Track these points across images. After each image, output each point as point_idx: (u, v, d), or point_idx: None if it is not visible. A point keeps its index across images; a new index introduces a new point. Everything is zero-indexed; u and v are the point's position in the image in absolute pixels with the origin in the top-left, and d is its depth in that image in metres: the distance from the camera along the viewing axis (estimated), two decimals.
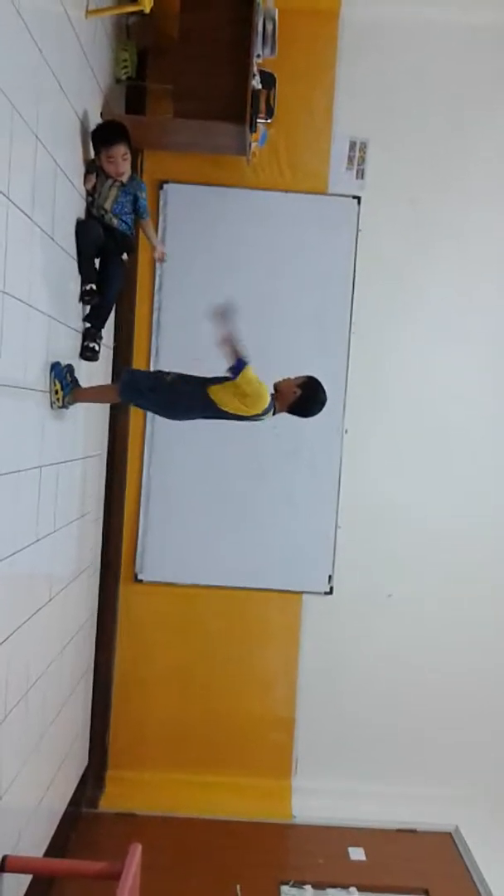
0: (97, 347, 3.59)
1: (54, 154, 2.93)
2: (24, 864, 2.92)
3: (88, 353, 3.55)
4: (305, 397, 3.22)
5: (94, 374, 3.88)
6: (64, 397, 3.13)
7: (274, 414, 3.23)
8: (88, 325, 3.58)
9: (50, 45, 2.76)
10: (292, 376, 3.26)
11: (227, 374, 3.09)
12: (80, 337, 3.54)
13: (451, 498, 4.57)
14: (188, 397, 3.17)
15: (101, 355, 3.69)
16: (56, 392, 3.09)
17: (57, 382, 3.09)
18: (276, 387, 3.23)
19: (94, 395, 3.50)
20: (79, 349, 3.53)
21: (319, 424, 4.41)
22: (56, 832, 3.62)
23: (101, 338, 3.64)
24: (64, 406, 3.17)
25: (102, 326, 3.64)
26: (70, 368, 3.23)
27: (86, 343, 3.55)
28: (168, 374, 3.23)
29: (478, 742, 4.58)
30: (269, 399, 3.15)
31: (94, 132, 3.45)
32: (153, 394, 3.18)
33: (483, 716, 4.59)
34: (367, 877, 3.94)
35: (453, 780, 4.52)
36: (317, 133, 4.45)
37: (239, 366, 3.07)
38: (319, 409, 3.29)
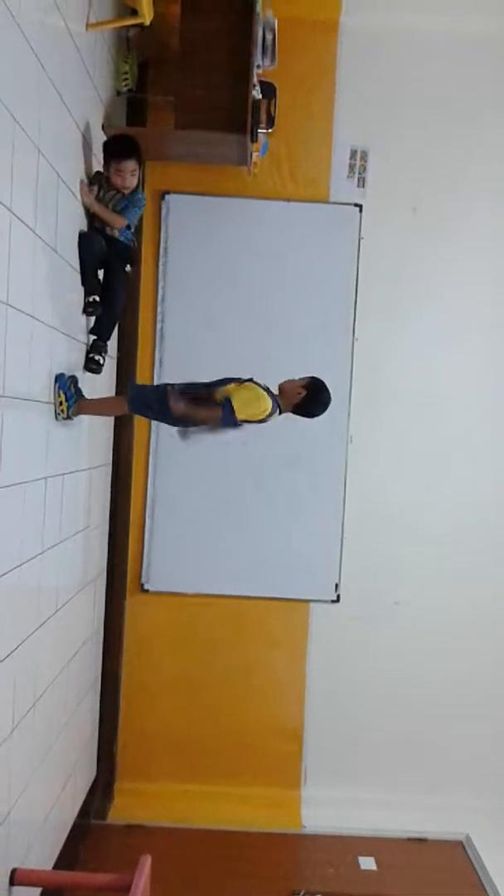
0: (101, 360, 3.60)
1: (56, 167, 2.94)
2: (33, 877, 2.91)
3: (93, 366, 3.56)
4: (310, 397, 3.24)
5: (99, 385, 3.89)
6: (68, 409, 3.14)
7: (280, 413, 3.23)
8: (95, 337, 3.59)
9: (51, 59, 2.78)
10: (296, 377, 3.27)
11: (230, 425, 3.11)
12: (83, 349, 3.55)
13: (457, 505, 4.56)
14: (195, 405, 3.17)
15: (104, 367, 3.70)
16: (60, 404, 3.10)
17: (61, 394, 3.10)
18: (280, 388, 3.24)
19: (98, 408, 3.51)
20: (83, 361, 3.53)
21: (324, 432, 4.45)
22: (65, 844, 3.61)
23: (106, 350, 3.65)
24: (68, 418, 3.17)
25: (108, 338, 3.65)
26: (74, 380, 3.24)
27: (91, 355, 3.57)
28: (174, 385, 3.24)
29: (488, 749, 4.56)
30: (269, 401, 3.15)
31: (107, 143, 3.49)
32: (159, 403, 3.18)
33: (493, 723, 4.57)
34: (378, 886, 3.92)
35: (464, 789, 4.49)
36: (317, 142, 4.47)
37: (226, 411, 3.07)
38: (323, 410, 3.30)
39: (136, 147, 3.47)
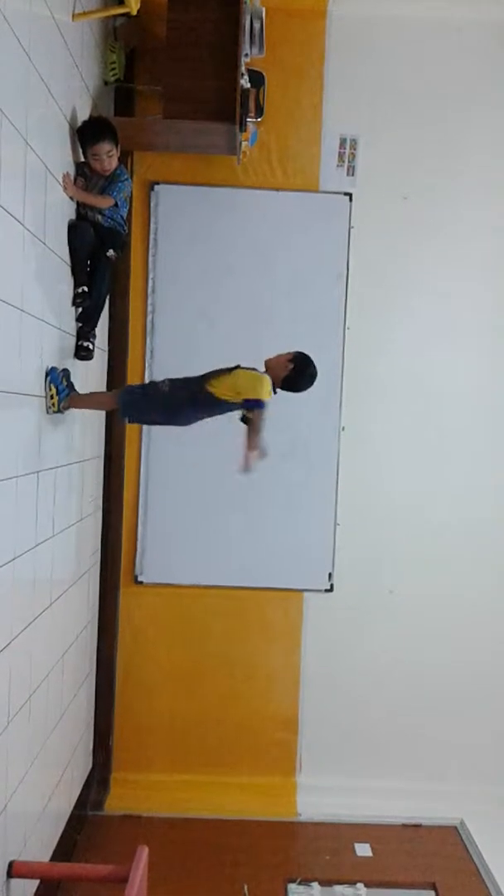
0: (91, 346, 3.58)
1: (44, 158, 2.93)
2: (31, 868, 2.92)
3: (83, 353, 3.54)
4: (298, 371, 3.25)
5: (90, 378, 3.88)
6: (59, 402, 3.13)
7: (275, 392, 3.24)
8: (80, 324, 3.58)
9: (37, 49, 2.76)
10: (282, 352, 3.29)
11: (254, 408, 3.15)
12: (74, 339, 3.54)
13: (449, 492, 4.57)
14: (189, 400, 3.19)
15: (96, 357, 3.68)
16: (52, 397, 3.09)
17: (52, 387, 3.09)
18: (266, 364, 3.25)
19: (89, 402, 3.52)
20: (73, 350, 3.52)
21: (317, 422, 4.47)
22: (62, 836, 3.62)
23: (94, 336, 3.62)
24: (59, 411, 3.17)
25: (95, 325, 3.62)
26: (66, 373, 3.23)
27: (80, 342, 3.55)
28: (162, 382, 3.24)
29: (482, 735, 4.59)
30: (266, 378, 3.18)
31: (79, 129, 3.44)
32: (151, 404, 3.21)
33: (487, 709, 4.60)
34: (374, 872, 3.94)
35: (458, 774, 4.53)
36: (307, 131, 4.46)
37: (253, 403, 3.13)
38: (310, 384, 3.31)
39: (109, 128, 3.43)
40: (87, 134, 3.41)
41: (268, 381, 3.18)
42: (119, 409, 3.31)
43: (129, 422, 3.43)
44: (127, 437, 4.48)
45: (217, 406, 3.21)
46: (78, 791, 4.05)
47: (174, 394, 3.20)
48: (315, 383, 3.32)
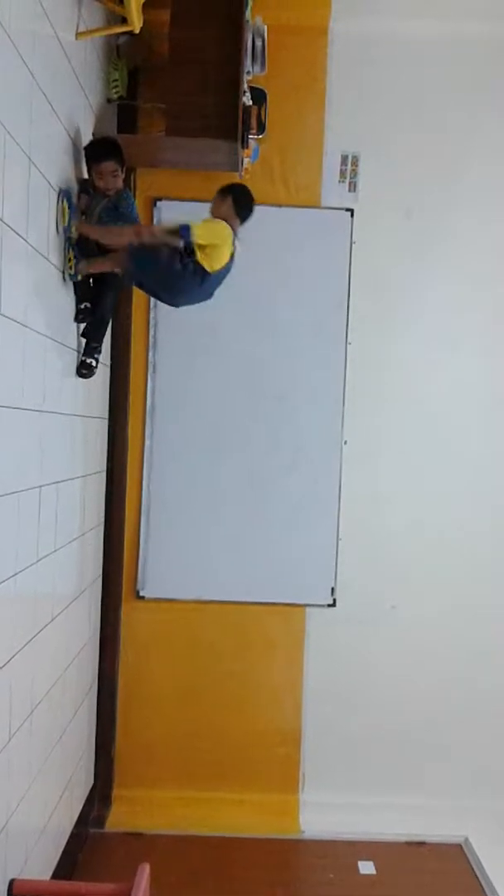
0: (94, 364, 3.58)
1: (47, 175, 2.95)
2: (31, 887, 2.90)
3: (84, 370, 3.55)
4: (236, 199, 3.33)
5: (92, 391, 3.90)
6: (76, 265, 3.17)
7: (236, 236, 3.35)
8: (85, 340, 3.58)
9: (41, 67, 2.78)
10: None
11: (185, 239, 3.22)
12: (76, 354, 3.54)
13: (452, 507, 4.56)
14: (181, 263, 3.24)
15: (98, 372, 3.68)
16: (69, 260, 3.12)
17: (71, 251, 3.15)
18: (213, 214, 3.33)
19: (103, 264, 3.44)
20: (75, 367, 3.53)
21: (319, 436, 4.47)
22: (63, 853, 3.59)
23: (99, 352, 3.63)
24: (74, 276, 3.17)
25: (99, 341, 3.63)
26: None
27: (83, 359, 3.55)
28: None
29: (486, 752, 4.56)
30: (226, 224, 3.27)
31: (86, 147, 3.48)
32: (155, 262, 3.24)
33: (490, 726, 4.57)
34: (378, 890, 3.91)
35: (462, 791, 4.50)
36: (308, 147, 4.48)
37: (185, 232, 3.19)
38: (251, 199, 3.39)
39: (115, 147, 3.45)
40: (93, 152, 3.44)
41: (227, 229, 3.27)
42: (128, 257, 3.28)
43: (134, 271, 3.36)
44: (129, 451, 4.49)
45: (200, 269, 3.25)
46: (79, 808, 4.02)
47: (171, 263, 3.23)
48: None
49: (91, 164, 3.44)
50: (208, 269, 3.26)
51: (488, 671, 4.58)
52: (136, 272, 3.37)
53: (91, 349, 3.58)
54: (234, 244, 3.33)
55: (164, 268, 3.26)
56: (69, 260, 3.24)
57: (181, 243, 3.22)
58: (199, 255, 3.24)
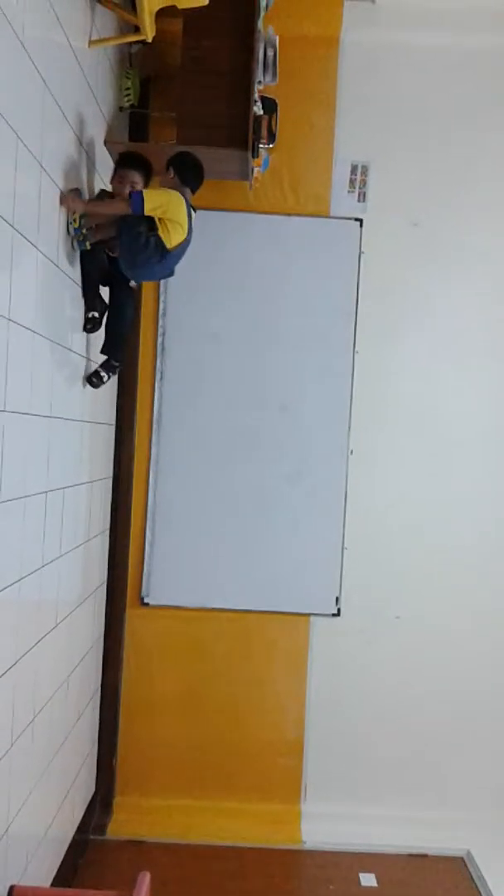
0: (106, 378, 3.59)
1: (58, 182, 2.96)
2: (31, 893, 2.89)
3: (94, 379, 3.56)
4: (177, 167, 3.35)
5: (99, 399, 3.90)
6: (80, 218, 3.15)
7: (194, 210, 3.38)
8: (106, 356, 3.59)
9: (53, 75, 2.80)
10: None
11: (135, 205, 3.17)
12: (84, 362, 3.55)
13: (457, 517, 4.56)
14: (145, 238, 3.23)
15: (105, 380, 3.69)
16: (72, 213, 3.11)
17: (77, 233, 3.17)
18: (163, 187, 3.33)
19: (103, 212, 3.39)
20: (83, 372, 3.54)
21: (325, 446, 4.47)
22: (63, 860, 3.58)
23: (115, 371, 3.63)
24: (79, 228, 3.15)
25: (118, 356, 3.63)
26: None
27: (98, 370, 3.56)
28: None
29: (489, 764, 4.54)
30: (179, 194, 3.26)
31: (121, 154, 3.55)
32: (128, 233, 3.24)
33: (494, 738, 4.56)
34: None
35: (465, 804, 4.47)
36: (318, 157, 4.50)
37: (136, 200, 3.16)
38: (194, 162, 3.40)
39: (145, 163, 3.49)
40: (126, 159, 3.50)
41: (176, 198, 3.24)
42: (131, 205, 3.23)
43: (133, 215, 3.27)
44: (136, 458, 4.49)
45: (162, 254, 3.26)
46: (80, 815, 4.01)
47: (137, 237, 3.23)
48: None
49: (118, 169, 3.48)
50: (167, 244, 3.26)
51: (492, 682, 4.56)
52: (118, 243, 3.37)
53: (111, 366, 3.59)
54: (189, 213, 3.31)
55: (132, 240, 3.25)
56: (79, 235, 3.20)
57: (130, 209, 3.19)
58: (160, 230, 3.24)
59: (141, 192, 3.22)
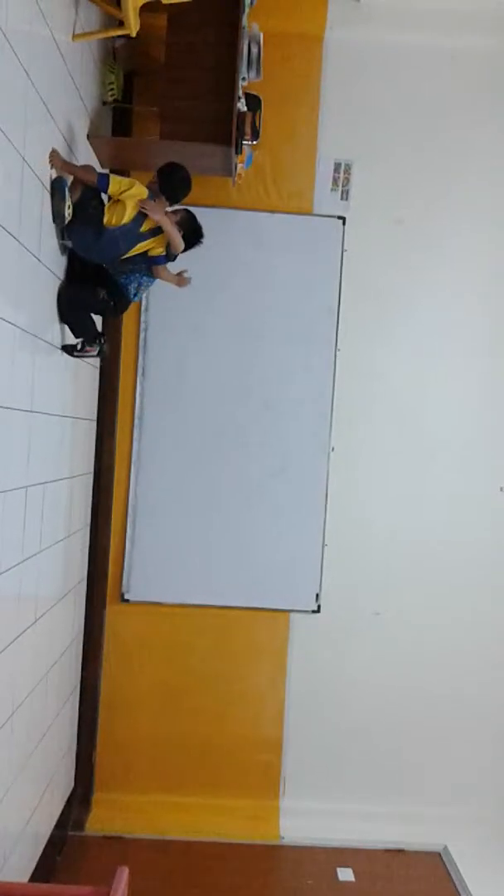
0: (79, 347, 3.53)
1: (41, 176, 2.94)
2: (8, 889, 2.87)
3: (69, 350, 3.50)
4: (160, 176, 3.40)
5: (80, 395, 3.89)
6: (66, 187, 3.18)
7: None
8: (81, 341, 3.57)
9: (37, 69, 2.78)
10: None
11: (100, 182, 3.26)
12: (59, 353, 3.48)
13: (437, 515, 4.58)
14: (91, 206, 3.27)
15: (87, 375, 3.66)
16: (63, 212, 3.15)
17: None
18: (148, 186, 3.37)
19: (77, 175, 3.38)
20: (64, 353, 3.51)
21: (307, 443, 4.48)
22: (42, 856, 3.58)
23: (92, 343, 3.58)
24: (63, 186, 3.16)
25: (91, 340, 3.56)
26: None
27: (75, 344, 3.52)
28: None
29: (466, 761, 4.58)
30: (144, 188, 3.32)
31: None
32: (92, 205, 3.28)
33: (471, 734, 4.59)
34: None
35: (442, 800, 4.51)
36: (302, 155, 4.50)
37: (102, 178, 3.26)
38: (184, 179, 3.45)
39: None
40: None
41: (140, 189, 3.30)
42: (98, 180, 3.29)
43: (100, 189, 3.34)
44: (117, 453, 4.48)
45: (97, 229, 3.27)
46: (59, 811, 4.01)
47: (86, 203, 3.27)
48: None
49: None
50: (104, 219, 3.28)
51: (471, 679, 4.59)
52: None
53: (89, 343, 3.57)
54: (141, 210, 3.31)
55: (83, 205, 3.28)
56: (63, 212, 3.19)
57: (96, 184, 3.26)
58: (107, 206, 3.30)
59: (108, 174, 3.33)
